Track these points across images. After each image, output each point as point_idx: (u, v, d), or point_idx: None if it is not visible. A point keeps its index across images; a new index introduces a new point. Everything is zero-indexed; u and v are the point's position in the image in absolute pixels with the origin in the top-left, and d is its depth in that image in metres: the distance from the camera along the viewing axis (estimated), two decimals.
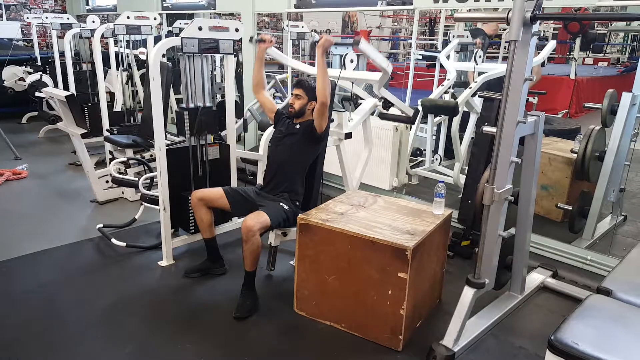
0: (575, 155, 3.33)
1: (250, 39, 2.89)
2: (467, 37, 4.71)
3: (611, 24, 9.15)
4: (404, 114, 3.43)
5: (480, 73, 4.07)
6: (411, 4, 3.61)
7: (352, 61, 3.05)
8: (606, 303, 1.89)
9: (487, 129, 2.22)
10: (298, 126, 2.79)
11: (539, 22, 2.01)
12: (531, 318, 2.61)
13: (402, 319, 2.21)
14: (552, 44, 4.13)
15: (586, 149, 3.18)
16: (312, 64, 5.34)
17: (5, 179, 4.47)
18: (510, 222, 2.47)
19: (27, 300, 2.62)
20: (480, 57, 4.20)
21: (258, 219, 2.50)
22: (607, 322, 1.76)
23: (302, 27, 5.07)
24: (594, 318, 1.77)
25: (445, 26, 6.95)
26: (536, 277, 2.89)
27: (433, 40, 9.06)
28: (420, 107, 3.86)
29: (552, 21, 8.73)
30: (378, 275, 2.24)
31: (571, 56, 8.38)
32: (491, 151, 2.50)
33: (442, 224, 2.48)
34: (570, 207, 3.36)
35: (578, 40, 8.31)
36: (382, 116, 3.50)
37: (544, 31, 9.05)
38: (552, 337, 1.64)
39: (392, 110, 3.50)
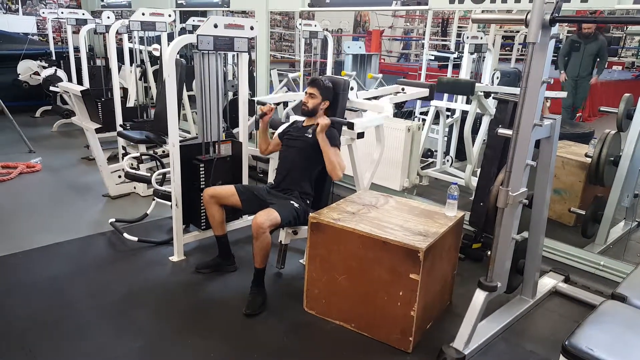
0: (589, 160, 3.31)
1: (256, 123, 2.95)
2: (481, 38, 4.68)
3: (627, 28, 9.05)
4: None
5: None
6: (426, 4, 3.59)
7: (352, 88, 3.08)
8: (621, 309, 1.87)
9: (502, 131, 2.20)
10: (310, 135, 2.78)
11: (557, 24, 1.99)
12: (542, 323, 2.59)
13: (413, 321, 2.20)
14: None
15: (601, 154, 3.15)
16: (323, 63, 5.35)
17: (19, 172, 4.51)
18: (523, 226, 2.45)
19: (40, 292, 2.65)
20: (498, 78, 4.21)
21: (268, 216, 2.51)
22: (622, 328, 1.75)
23: (315, 25, 5.07)
24: (608, 324, 1.76)
25: (459, 27, 6.92)
26: (548, 282, 2.86)
27: (445, 40, 9.02)
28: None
29: (567, 24, 8.65)
30: (389, 275, 2.23)
31: None
32: (504, 153, 2.49)
33: (454, 225, 2.47)
34: (583, 212, 3.33)
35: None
36: (402, 82, 3.54)
37: (560, 34, 8.97)
38: (566, 343, 1.62)
39: (408, 90, 3.55)
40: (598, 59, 5.81)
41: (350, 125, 2.73)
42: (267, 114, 2.93)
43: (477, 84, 3.94)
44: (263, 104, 2.97)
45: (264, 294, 2.61)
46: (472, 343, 2.24)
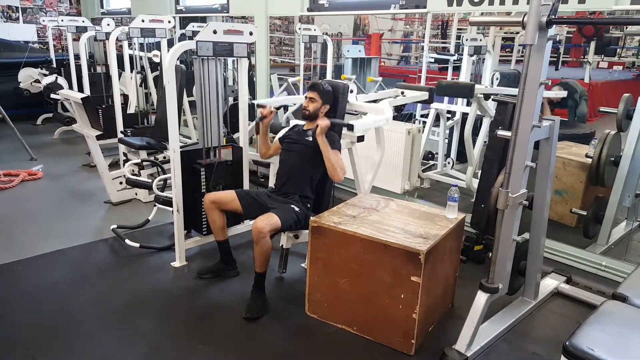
0: (590, 160, 3.31)
1: (256, 126, 2.95)
2: (480, 40, 4.69)
3: (626, 28, 9.06)
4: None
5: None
6: (425, 7, 3.60)
7: (352, 91, 3.08)
8: (622, 309, 1.87)
9: (501, 132, 2.21)
10: (311, 138, 2.78)
11: (554, 26, 2.00)
12: (545, 324, 2.58)
13: (415, 323, 2.20)
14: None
15: (601, 154, 3.15)
16: (323, 67, 5.36)
17: (21, 179, 4.53)
18: (524, 227, 2.45)
19: (42, 299, 2.65)
20: (497, 79, 4.22)
21: (269, 220, 2.51)
22: (623, 328, 1.75)
23: (314, 30, 5.09)
24: (609, 324, 1.76)
25: (458, 29, 6.93)
26: (550, 283, 2.86)
27: (445, 43, 9.03)
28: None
29: (566, 25, 8.67)
30: (390, 278, 2.23)
31: (585, 60, 8.31)
32: (505, 155, 2.49)
33: (455, 228, 2.47)
34: (584, 212, 3.33)
35: (592, 44, 8.23)
36: (401, 86, 3.54)
37: (559, 35, 8.98)
38: (567, 343, 1.62)
39: (408, 93, 3.54)
40: None
41: (350, 127, 2.73)
42: (267, 116, 2.93)
43: (476, 86, 3.94)
44: (263, 106, 2.97)
45: (265, 298, 2.62)
46: (474, 345, 2.24)
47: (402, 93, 3.55)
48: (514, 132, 2.07)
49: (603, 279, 2.94)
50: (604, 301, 1.91)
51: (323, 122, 2.66)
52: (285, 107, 4.80)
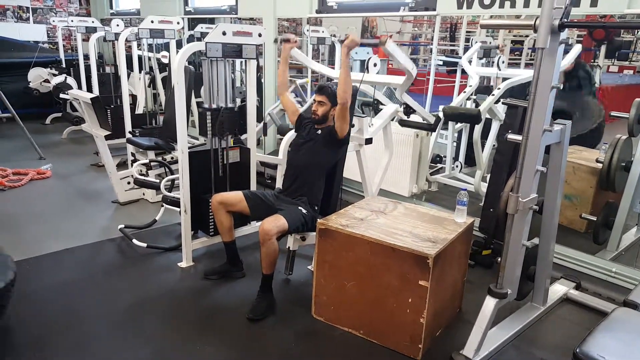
0: (600, 165, 3.27)
1: (275, 40, 2.90)
2: (490, 42, 4.66)
3: (638, 32, 8.99)
4: (425, 121, 3.39)
5: (504, 79, 4.03)
6: (434, 9, 3.59)
7: (375, 65, 3.02)
8: (633, 317, 1.85)
9: (512, 136, 2.19)
10: (319, 131, 2.79)
11: (566, 29, 1.98)
12: (553, 330, 2.56)
13: (422, 328, 2.18)
14: (577, 48, 4.04)
15: (612, 159, 3.12)
16: (331, 68, 5.35)
17: (30, 178, 4.56)
18: (533, 232, 2.43)
19: (49, 298, 2.66)
20: (503, 62, 4.15)
21: (275, 222, 2.51)
22: (634, 335, 1.72)
23: (322, 32, 5.08)
24: (620, 331, 1.73)
25: (467, 32, 6.90)
26: (559, 289, 2.83)
27: (454, 46, 9.01)
28: (441, 114, 3.82)
29: (577, 29, 8.60)
30: (398, 282, 2.22)
31: (596, 64, 8.24)
32: (514, 159, 2.47)
33: (464, 232, 2.45)
34: (594, 218, 3.30)
35: (603, 48, 8.17)
36: (403, 123, 3.46)
37: (570, 38, 8.92)
38: (577, 350, 1.60)
39: (413, 118, 3.47)
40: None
41: (382, 43, 2.62)
42: (291, 42, 2.94)
43: (481, 108, 3.86)
44: (288, 40, 2.97)
45: (271, 300, 2.61)
46: (482, 350, 2.21)
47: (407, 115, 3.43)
48: (525, 135, 2.05)
49: (613, 285, 2.91)
50: (615, 308, 1.88)
51: (354, 36, 2.61)
52: None
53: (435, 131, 3.82)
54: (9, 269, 2.32)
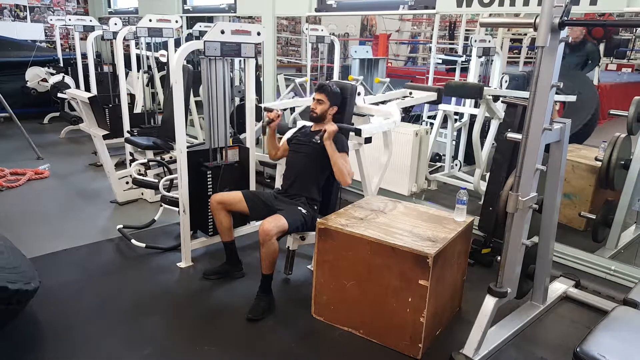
0: (599, 163, 3.27)
1: (263, 129, 2.93)
2: (489, 41, 4.65)
3: (636, 30, 8.98)
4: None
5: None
6: (433, 8, 3.58)
7: (359, 93, 3.04)
8: (633, 315, 1.85)
9: (512, 135, 2.18)
10: (318, 140, 2.76)
11: (566, 27, 1.98)
12: (553, 328, 2.56)
13: (422, 327, 2.18)
14: None
15: (611, 157, 3.11)
16: (330, 67, 5.35)
17: (28, 178, 4.54)
18: (533, 230, 2.42)
19: (47, 298, 2.64)
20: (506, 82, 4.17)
21: (275, 222, 2.50)
22: (634, 334, 1.72)
23: (322, 30, 5.07)
24: (620, 330, 1.73)
25: (466, 30, 6.89)
26: (558, 287, 2.83)
27: (453, 44, 8.99)
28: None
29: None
30: (398, 282, 2.22)
31: None
32: (514, 158, 2.47)
33: (463, 231, 2.45)
34: (593, 216, 3.30)
35: (602, 46, 8.16)
36: (409, 86, 3.50)
37: (569, 36, 8.91)
38: (577, 349, 1.60)
39: (416, 94, 3.51)
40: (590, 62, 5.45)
41: (358, 132, 2.71)
42: (274, 120, 2.91)
43: (485, 88, 3.91)
44: (270, 110, 2.96)
45: (270, 300, 2.61)
46: (482, 349, 2.21)
47: (410, 94, 3.52)
48: (525, 134, 2.05)
49: (612, 283, 2.91)
50: (615, 307, 1.88)
51: (331, 127, 2.64)
52: (293, 108, 4.79)
53: (440, 102, 3.80)
54: (36, 277, 2.38)
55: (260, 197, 2.82)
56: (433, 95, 3.51)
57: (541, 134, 2.07)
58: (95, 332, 2.38)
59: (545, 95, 2.03)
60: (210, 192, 3.02)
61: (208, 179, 3.04)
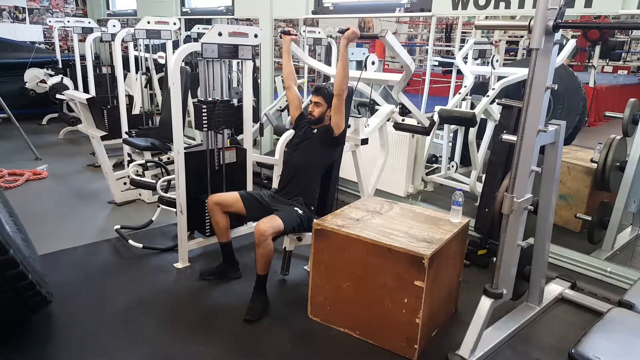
0: (595, 165, 3.29)
1: (281, 36, 2.93)
2: (485, 43, 4.68)
3: (632, 32, 9.02)
4: (419, 124, 3.37)
5: (499, 78, 4.03)
6: (429, 10, 3.60)
7: (373, 63, 3.02)
8: (628, 317, 1.85)
9: (507, 137, 2.19)
10: (315, 130, 2.80)
11: (560, 30, 1.99)
12: (549, 330, 2.57)
13: (418, 328, 2.19)
14: (571, 43, 4.02)
15: (607, 159, 3.13)
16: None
17: (26, 179, 4.54)
18: (528, 232, 2.44)
19: None
20: (497, 61, 4.15)
21: (271, 223, 2.51)
22: (629, 336, 1.73)
23: (319, 32, 5.09)
24: (615, 332, 1.74)
25: (462, 32, 6.92)
26: (554, 288, 2.84)
27: (449, 46, 9.03)
28: (436, 117, 3.82)
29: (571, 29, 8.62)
30: (394, 282, 2.22)
31: (590, 64, 8.28)
32: (510, 159, 2.47)
33: (459, 232, 2.46)
34: (589, 218, 3.31)
35: (597, 48, 8.21)
36: (397, 126, 3.44)
37: (565, 39, 8.95)
38: (572, 351, 1.61)
39: (408, 121, 3.46)
40: None
41: (381, 35, 2.63)
42: (291, 34, 2.96)
43: (476, 111, 3.86)
44: (287, 32, 2.99)
45: (265, 300, 2.61)
46: (477, 351, 2.22)
47: (403, 120, 3.42)
48: (520, 136, 2.06)
49: (608, 285, 2.92)
50: (610, 308, 1.89)
51: (354, 29, 2.64)
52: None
53: (429, 135, 3.82)
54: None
55: (257, 198, 2.83)
56: (423, 127, 3.39)
57: (536, 135, 2.09)
58: (92, 332, 2.39)
59: (540, 97, 2.04)
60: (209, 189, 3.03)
61: (204, 116, 2.99)
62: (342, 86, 2.63)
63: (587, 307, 2.73)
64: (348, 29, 2.63)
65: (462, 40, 5.68)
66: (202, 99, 3.00)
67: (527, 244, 2.45)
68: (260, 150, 5.04)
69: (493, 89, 3.87)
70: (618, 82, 8.67)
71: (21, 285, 2.08)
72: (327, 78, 5.48)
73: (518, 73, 3.93)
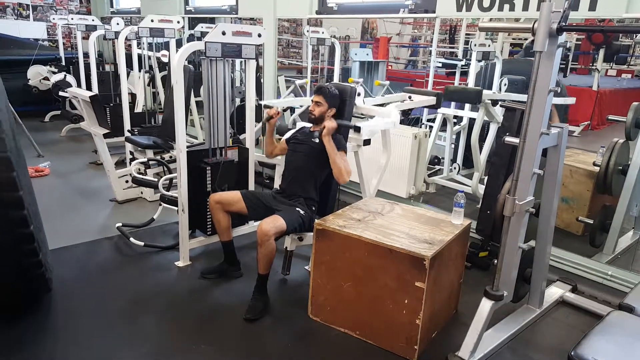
0: (597, 168, 3.29)
1: (263, 126, 2.97)
2: (489, 45, 4.67)
3: (636, 36, 9.01)
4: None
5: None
6: (434, 12, 3.60)
7: (359, 94, 3.07)
8: (628, 320, 1.86)
9: (509, 139, 2.20)
10: (317, 140, 2.78)
11: (564, 33, 1.99)
12: (549, 332, 2.56)
13: (418, 329, 2.19)
14: None
15: (609, 162, 3.13)
16: (331, 69, 5.36)
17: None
18: (530, 234, 2.44)
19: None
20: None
21: (274, 223, 2.51)
22: (629, 339, 1.73)
23: (322, 32, 5.09)
24: (615, 334, 1.74)
25: (466, 34, 6.92)
26: (555, 291, 2.84)
27: (453, 48, 9.02)
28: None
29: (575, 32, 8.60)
30: (394, 283, 2.23)
31: (594, 67, 8.26)
32: (512, 162, 2.47)
33: (460, 234, 2.46)
34: (591, 221, 3.31)
35: (601, 52, 8.19)
36: (408, 90, 3.52)
37: (568, 42, 8.94)
38: (572, 353, 1.61)
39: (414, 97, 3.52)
40: None
41: (357, 129, 2.73)
42: (274, 117, 2.94)
43: (484, 92, 3.92)
44: (270, 107, 2.99)
45: (266, 300, 2.62)
46: (477, 352, 2.22)
47: (410, 97, 3.53)
48: (522, 139, 2.06)
49: (609, 288, 2.92)
50: (610, 311, 1.90)
51: (330, 124, 2.67)
52: (292, 109, 4.80)
53: (439, 107, 3.82)
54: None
55: (258, 198, 2.83)
56: (432, 100, 3.53)
57: (539, 138, 2.09)
58: (93, 329, 2.39)
59: (543, 99, 2.04)
60: (209, 190, 3.03)
61: (207, 177, 3.04)
62: (344, 178, 2.70)
63: (587, 310, 2.73)
64: (324, 128, 2.67)
65: (466, 42, 5.67)
66: (207, 160, 3.05)
67: (529, 246, 2.45)
68: (262, 150, 5.04)
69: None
70: (622, 86, 8.65)
71: (30, 262, 2.15)
72: (329, 79, 5.49)
73: None
